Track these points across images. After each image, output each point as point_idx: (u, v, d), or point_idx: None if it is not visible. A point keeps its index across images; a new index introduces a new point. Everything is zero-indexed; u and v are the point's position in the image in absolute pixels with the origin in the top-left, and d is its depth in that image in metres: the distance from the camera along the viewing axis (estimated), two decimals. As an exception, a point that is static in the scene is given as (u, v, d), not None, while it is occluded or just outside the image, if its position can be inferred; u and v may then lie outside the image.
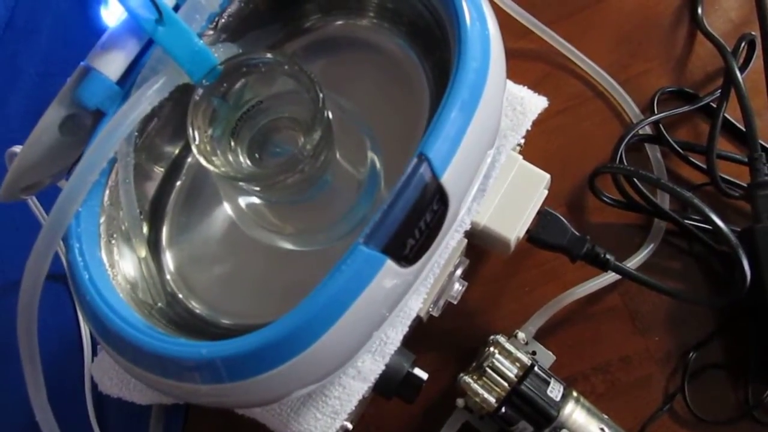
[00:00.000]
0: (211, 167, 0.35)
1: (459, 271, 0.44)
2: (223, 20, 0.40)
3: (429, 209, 0.31)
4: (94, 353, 0.55)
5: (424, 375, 0.43)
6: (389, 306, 0.33)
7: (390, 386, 0.43)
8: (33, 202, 0.56)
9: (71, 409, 0.54)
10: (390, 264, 0.31)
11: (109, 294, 0.33)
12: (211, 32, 0.40)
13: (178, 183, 0.44)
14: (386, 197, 0.31)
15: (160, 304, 0.38)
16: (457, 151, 0.32)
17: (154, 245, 0.41)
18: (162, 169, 0.44)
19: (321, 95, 0.34)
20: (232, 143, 0.38)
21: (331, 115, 0.36)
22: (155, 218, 0.42)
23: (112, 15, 0.40)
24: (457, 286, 0.45)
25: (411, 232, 0.31)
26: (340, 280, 0.30)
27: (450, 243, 0.39)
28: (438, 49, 0.38)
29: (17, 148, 0.49)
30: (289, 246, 0.39)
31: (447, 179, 0.31)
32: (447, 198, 0.32)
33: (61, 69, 0.64)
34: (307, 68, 0.35)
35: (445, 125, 0.31)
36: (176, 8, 0.36)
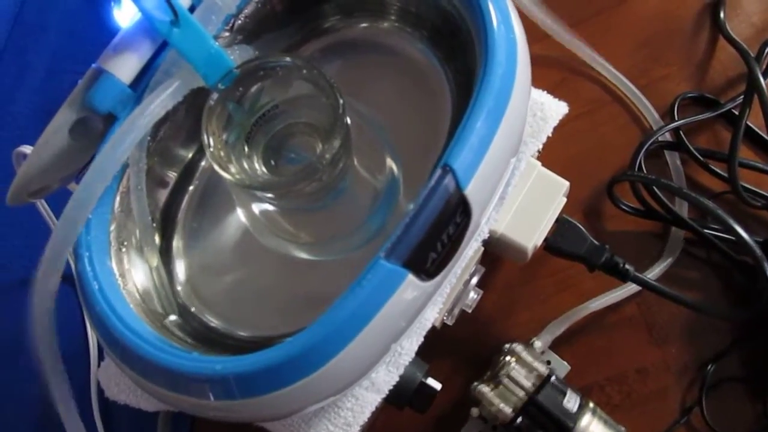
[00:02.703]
0: (226, 175, 0.34)
1: (474, 280, 0.44)
2: (239, 22, 0.39)
3: (452, 222, 0.30)
4: (101, 357, 0.54)
5: (437, 385, 0.43)
6: (408, 319, 0.32)
7: (402, 396, 0.42)
8: (40, 203, 0.56)
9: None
10: (411, 278, 0.30)
11: (119, 305, 0.32)
12: (226, 34, 0.39)
13: (191, 188, 0.43)
14: (407, 208, 0.30)
15: (172, 315, 0.37)
16: (482, 162, 0.31)
17: (165, 253, 0.40)
18: (175, 174, 0.43)
19: (341, 101, 0.33)
20: (247, 149, 0.37)
21: (349, 121, 0.35)
22: (167, 226, 0.41)
23: (124, 15, 0.39)
24: (473, 295, 0.44)
25: (433, 246, 0.30)
26: (360, 295, 0.29)
27: (467, 252, 0.38)
28: (461, 54, 0.37)
29: (25, 148, 0.48)
30: (304, 255, 0.38)
31: (471, 191, 0.31)
32: (470, 210, 0.31)
33: (70, 65, 0.63)
34: (325, 72, 0.34)
35: (471, 134, 0.30)
36: (191, 9, 0.35)
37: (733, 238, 0.43)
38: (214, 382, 0.29)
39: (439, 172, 0.30)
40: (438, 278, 0.31)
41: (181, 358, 0.30)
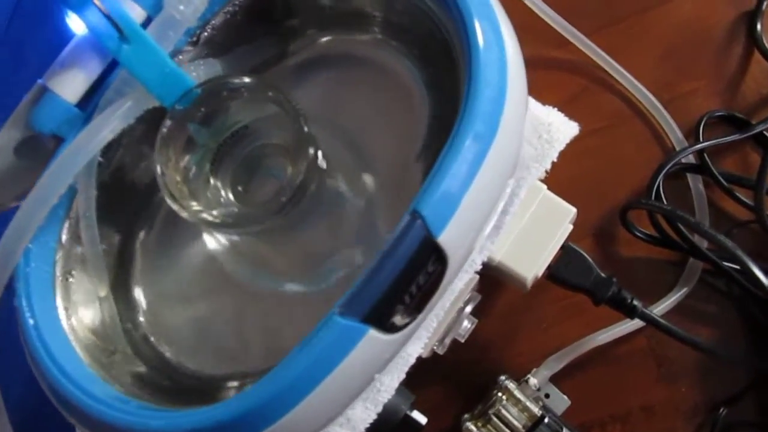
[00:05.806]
0: (183, 213, 0.31)
1: (469, 308, 0.41)
2: (205, 34, 0.36)
3: (423, 272, 0.27)
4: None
5: (423, 419, 0.40)
6: (376, 369, 0.29)
7: (384, 430, 0.39)
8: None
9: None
10: (373, 333, 0.27)
11: (56, 343, 0.30)
12: (190, 48, 0.36)
13: (153, 209, 0.40)
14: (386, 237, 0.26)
15: (121, 352, 0.35)
16: (460, 204, 0.27)
17: (123, 283, 0.37)
18: (137, 191, 0.40)
19: (306, 129, 0.30)
20: (212, 179, 0.34)
21: (320, 154, 0.31)
22: (125, 251, 0.38)
23: (76, 24, 0.36)
24: (466, 324, 0.41)
25: (400, 299, 0.27)
26: (311, 353, 0.26)
27: (457, 285, 0.35)
28: (449, 72, 0.33)
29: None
30: (271, 287, 0.36)
31: (447, 237, 0.27)
32: (446, 258, 0.28)
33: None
34: (295, 94, 0.31)
35: (446, 175, 0.27)
36: (148, 22, 0.31)
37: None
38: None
39: (407, 219, 0.26)
40: (408, 329, 0.29)
41: (111, 408, 0.27)
